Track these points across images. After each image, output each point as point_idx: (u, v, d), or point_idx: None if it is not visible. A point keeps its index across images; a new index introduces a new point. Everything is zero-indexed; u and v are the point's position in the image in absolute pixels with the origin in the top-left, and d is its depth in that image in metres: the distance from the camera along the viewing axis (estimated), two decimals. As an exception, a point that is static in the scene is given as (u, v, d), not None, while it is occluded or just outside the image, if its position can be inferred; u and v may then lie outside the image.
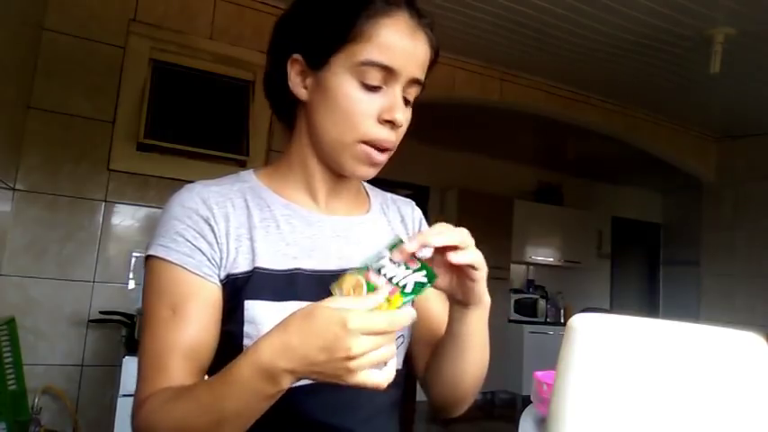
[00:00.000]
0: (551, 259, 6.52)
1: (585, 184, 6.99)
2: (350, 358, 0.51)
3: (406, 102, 0.71)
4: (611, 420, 0.44)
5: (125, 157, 2.64)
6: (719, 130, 4.94)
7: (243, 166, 2.84)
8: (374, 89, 0.68)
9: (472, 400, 0.80)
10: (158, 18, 2.77)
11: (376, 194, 0.87)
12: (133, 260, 2.65)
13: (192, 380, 0.64)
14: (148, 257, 0.68)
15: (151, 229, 2.91)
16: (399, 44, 0.67)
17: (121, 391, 2.05)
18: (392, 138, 0.70)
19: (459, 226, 0.78)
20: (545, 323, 6.13)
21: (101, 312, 2.48)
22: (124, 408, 2.04)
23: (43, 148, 2.51)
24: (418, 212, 0.90)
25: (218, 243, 0.68)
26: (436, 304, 0.81)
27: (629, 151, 4.98)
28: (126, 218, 2.66)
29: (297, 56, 0.70)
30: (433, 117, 4.10)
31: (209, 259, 0.67)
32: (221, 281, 0.68)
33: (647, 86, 4.03)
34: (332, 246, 0.74)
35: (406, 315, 0.54)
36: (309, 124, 0.73)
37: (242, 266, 0.68)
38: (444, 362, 0.75)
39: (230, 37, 2.93)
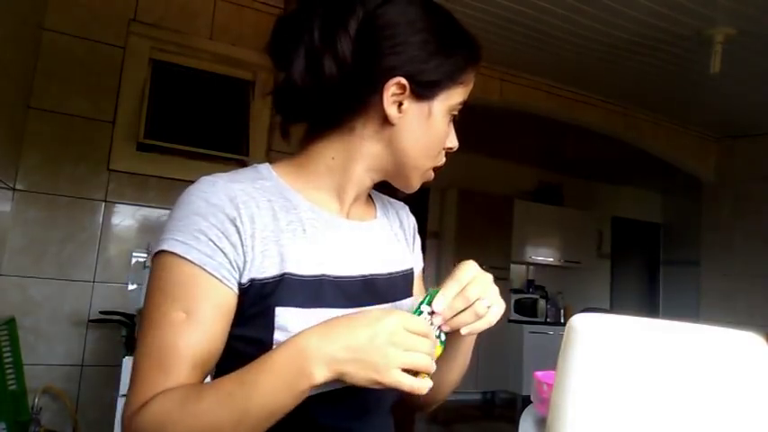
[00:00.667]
0: (551, 259, 6.52)
1: (585, 184, 6.99)
2: (392, 344, 0.55)
3: None
4: (612, 420, 0.44)
5: (125, 157, 2.64)
6: (719, 130, 4.94)
7: (243, 166, 2.83)
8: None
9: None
10: (158, 18, 2.77)
11: (377, 197, 0.87)
12: (133, 260, 2.65)
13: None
14: (161, 252, 0.63)
15: (151, 229, 2.90)
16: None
17: (121, 391, 2.05)
18: None
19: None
20: (545, 323, 6.13)
21: (101, 312, 2.48)
22: (124, 408, 2.03)
23: (43, 148, 2.50)
24: (412, 219, 0.91)
25: (242, 245, 0.64)
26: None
27: (629, 151, 4.98)
28: (126, 218, 2.66)
29: (402, 80, 0.68)
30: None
31: (230, 262, 0.63)
32: (243, 285, 0.64)
33: (646, 86, 4.03)
34: (351, 251, 0.74)
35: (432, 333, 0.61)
36: (386, 141, 0.72)
37: (270, 271, 0.65)
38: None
39: (230, 37, 2.92)
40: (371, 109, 0.70)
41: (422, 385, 0.57)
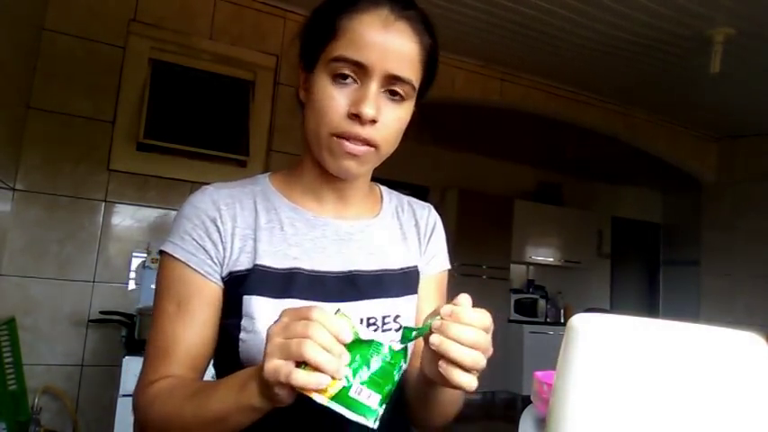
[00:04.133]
0: (551, 259, 6.51)
1: (585, 184, 6.98)
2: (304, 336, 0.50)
3: (398, 98, 0.69)
4: (611, 420, 0.44)
5: (125, 157, 2.64)
6: (719, 130, 4.94)
7: (243, 166, 2.84)
8: (345, 85, 0.67)
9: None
10: (158, 18, 2.77)
11: (391, 198, 0.86)
12: (133, 260, 2.65)
13: (192, 371, 0.69)
14: (160, 252, 0.72)
15: (151, 229, 2.90)
16: (369, 39, 0.66)
17: (121, 391, 2.05)
18: (363, 132, 0.67)
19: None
20: (545, 323, 6.13)
21: (101, 312, 2.48)
22: (124, 408, 2.03)
23: (43, 148, 2.50)
24: (434, 216, 0.87)
25: (222, 242, 0.71)
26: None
27: (629, 151, 4.97)
28: (126, 218, 2.66)
29: (299, 63, 0.73)
30: (433, 117, 4.10)
31: (211, 258, 0.70)
32: (224, 278, 0.71)
33: (646, 86, 4.03)
34: (334, 248, 0.75)
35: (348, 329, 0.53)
36: (305, 127, 0.73)
37: (243, 264, 0.71)
38: (413, 404, 0.75)
39: (230, 37, 2.92)
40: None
41: (315, 381, 0.49)
